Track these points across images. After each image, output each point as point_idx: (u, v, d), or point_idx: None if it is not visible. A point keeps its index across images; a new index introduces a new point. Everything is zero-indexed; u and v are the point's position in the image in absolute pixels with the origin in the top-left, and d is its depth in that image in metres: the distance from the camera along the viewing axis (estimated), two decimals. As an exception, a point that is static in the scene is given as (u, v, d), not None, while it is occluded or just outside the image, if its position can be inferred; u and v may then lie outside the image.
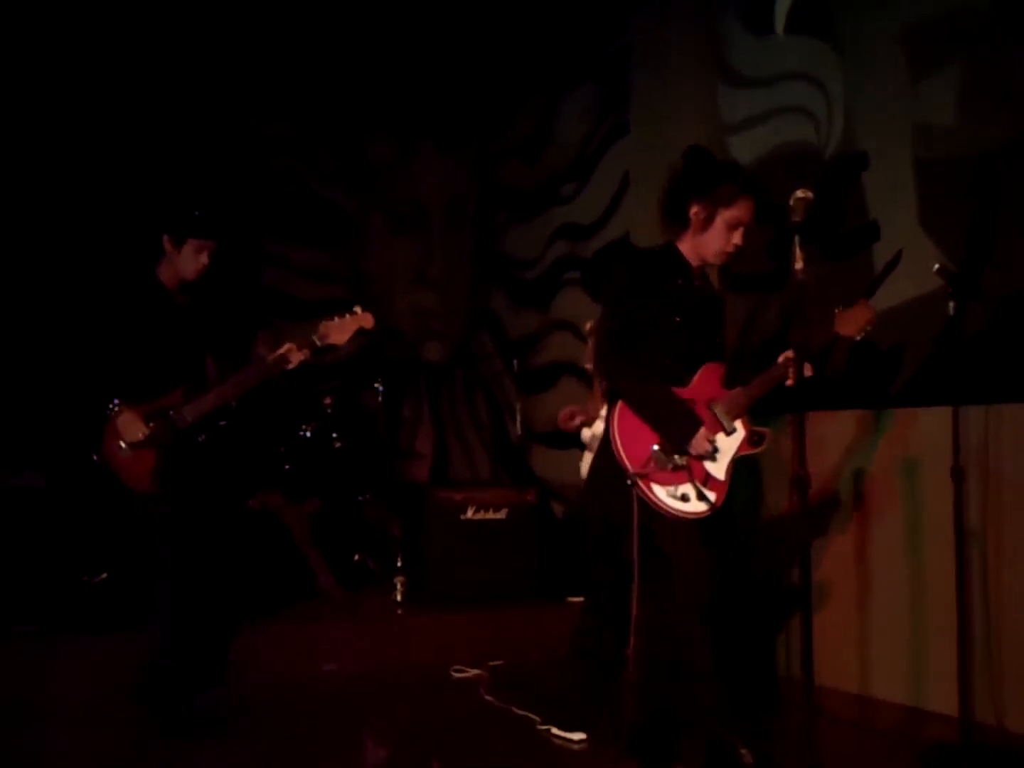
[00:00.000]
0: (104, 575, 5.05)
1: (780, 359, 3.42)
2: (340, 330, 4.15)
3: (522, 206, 7.33)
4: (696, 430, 3.35)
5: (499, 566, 5.46)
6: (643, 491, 3.32)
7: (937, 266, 3.55)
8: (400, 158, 8.08)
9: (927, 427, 4.08)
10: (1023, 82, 3.81)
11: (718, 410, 3.45)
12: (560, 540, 5.85)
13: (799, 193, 2.77)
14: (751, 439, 3.48)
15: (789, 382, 3.37)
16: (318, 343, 4.13)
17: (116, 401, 3.99)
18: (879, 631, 4.30)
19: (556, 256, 6.91)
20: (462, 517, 5.53)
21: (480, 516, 5.54)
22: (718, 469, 3.42)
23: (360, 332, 4.16)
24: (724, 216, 3.37)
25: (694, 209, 3.41)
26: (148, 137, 6.65)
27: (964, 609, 3.56)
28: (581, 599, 3.93)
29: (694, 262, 3.51)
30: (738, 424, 3.46)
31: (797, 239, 2.71)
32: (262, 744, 3.89)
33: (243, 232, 7.10)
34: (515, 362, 6.80)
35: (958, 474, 3.55)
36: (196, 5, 6.76)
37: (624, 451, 3.40)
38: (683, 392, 3.44)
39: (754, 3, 5.15)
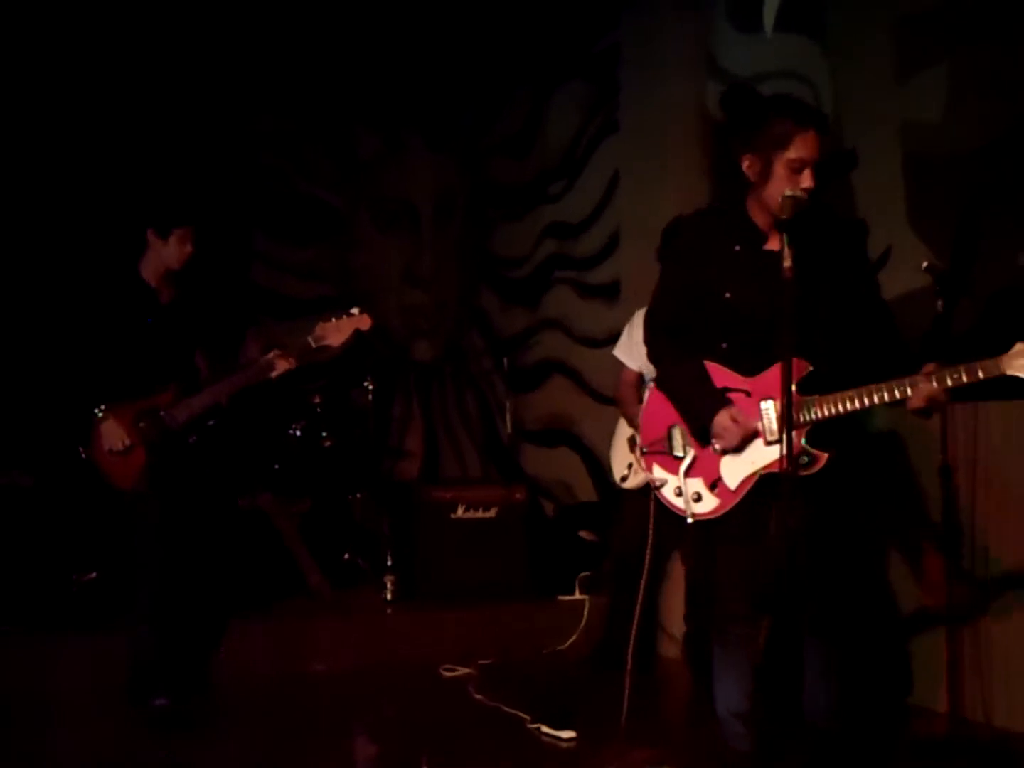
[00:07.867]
0: (94, 574, 5.04)
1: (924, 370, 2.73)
2: (337, 332, 4.10)
3: (511, 203, 7.32)
4: (715, 412, 2.85)
5: (489, 564, 5.44)
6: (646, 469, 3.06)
7: (926, 263, 3.57)
8: (388, 154, 8.05)
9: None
10: (1011, 78, 3.83)
11: (767, 409, 2.86)
12: (550, 538, 5.85)
13: (787, 191, 2.76)
14: (796, 458, 2.69)
15: (916, 404, 2.71)
16: (313, 344, 4.08)
17: (102, 407, 3.96)
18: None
19: (545, 254, 6.90)
20: (452, 515, 5.53)
21: (470, 515, 5.53)
22: (733, 476, 2.88)
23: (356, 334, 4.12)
24: (782, 161, 2.79)
25: (746, 163, 2.85)
26: (134, 134, 6.62)
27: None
28: (571, 597, 3.90)
29: (766, 227, 2.92)
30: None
31: (786, 237, 2.70)
32: (251, 742, 3.89)
33: (230, 228, 7.07)
34: (505, 361, 6.79)
35: (946, 471, 3.56)
36: (181, 1, 6.74)
37: (642, 422, 3.11)
38: (740, 381, 2.90)
39: (743, 1, 5.15)
